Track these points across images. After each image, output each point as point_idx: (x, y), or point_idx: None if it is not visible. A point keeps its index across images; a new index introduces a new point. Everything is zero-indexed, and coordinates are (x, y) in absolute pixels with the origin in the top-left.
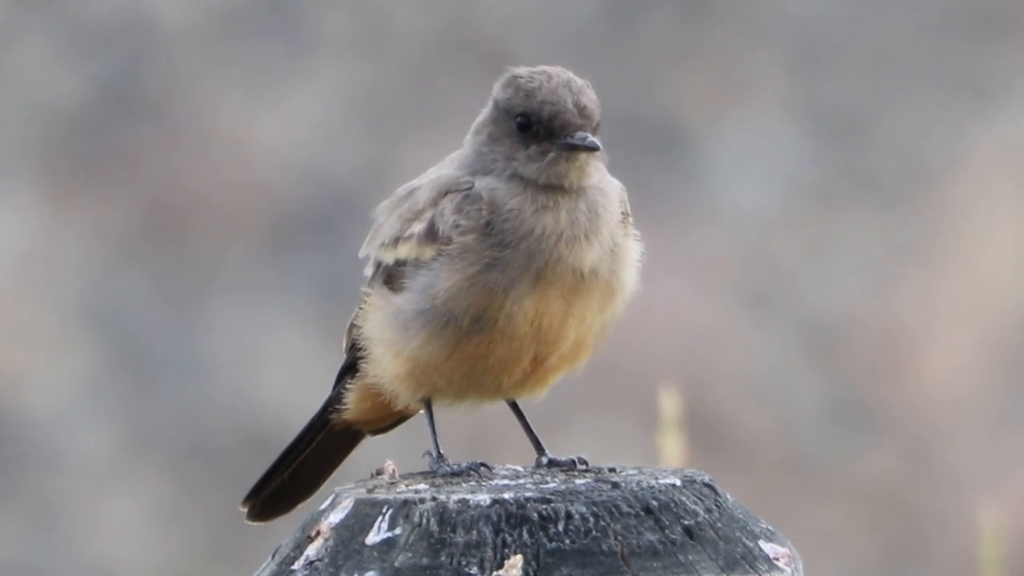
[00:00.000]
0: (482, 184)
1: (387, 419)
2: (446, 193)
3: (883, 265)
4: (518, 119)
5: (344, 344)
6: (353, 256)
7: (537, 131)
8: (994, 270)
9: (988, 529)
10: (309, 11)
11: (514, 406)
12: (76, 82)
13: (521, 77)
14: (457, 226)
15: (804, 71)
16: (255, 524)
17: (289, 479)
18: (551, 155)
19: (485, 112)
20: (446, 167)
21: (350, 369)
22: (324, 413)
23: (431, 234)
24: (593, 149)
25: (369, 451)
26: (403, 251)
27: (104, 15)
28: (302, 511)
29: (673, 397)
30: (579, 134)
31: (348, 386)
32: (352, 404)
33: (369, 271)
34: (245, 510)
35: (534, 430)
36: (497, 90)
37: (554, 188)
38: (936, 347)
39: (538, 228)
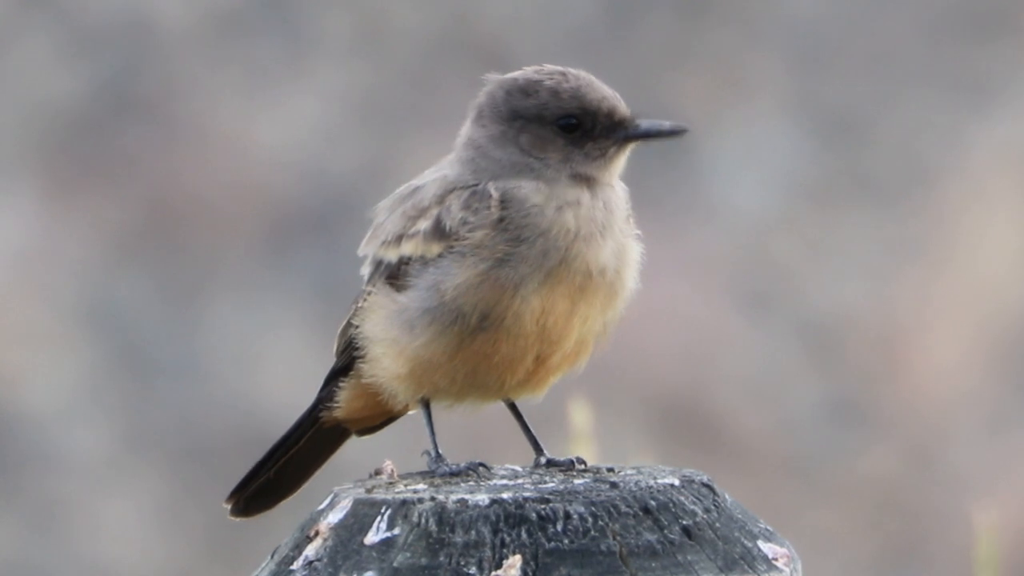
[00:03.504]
0: (499, 184)
1: (378, 418)
2: (452, 190)
3: (882, 265)
4: (562, 121)
5: (336, 347)
6: (352, 256)
7: (591, 129)
8: (992, 269)
9: (984, 529)
10: (309, 11)
11: (512, 406)
12: (75, 82)
13: (543, 81)
14: (466, 223)
15: (803, 71)
16: (239, 520)
17: (275, 476)
18: (612, 149)
19: (490, 124)
20: (445, 168)
21: (343, 370)
22: (314, 411)
23: (438, 231)
24: (685, 130)
25: (367, 451)
26: (408, 248)
27: (104, 15)
28: (285, 508)
29: (582, 409)
30: (644, 122)
31: (341, 384)
32: (344, 403)
33: (368, 270)
34: (229, 506)
35: (532, 430)
36: (513, 99)
37: (580, 183)
38: (934, 346)
39: (557, 225)
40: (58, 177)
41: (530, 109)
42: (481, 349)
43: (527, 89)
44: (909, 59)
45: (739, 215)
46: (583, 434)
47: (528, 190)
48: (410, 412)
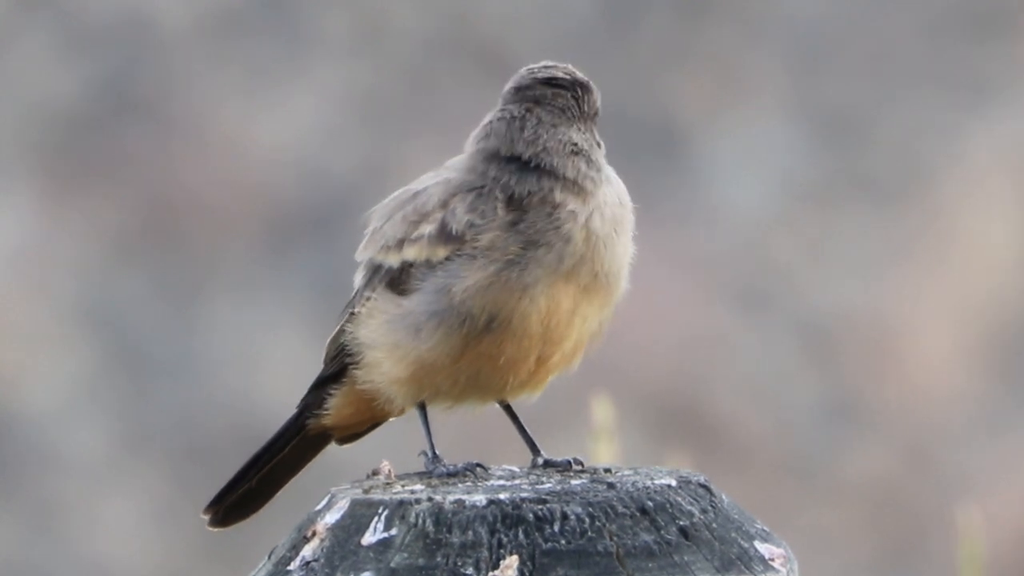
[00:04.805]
0: (520, 186)
1: (364, 424)
2: (456, 193)
3: (880, 265)
4: (596, 114)
5: (326, 354)
6: (351, 256)
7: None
8: (991, 269)
9: (968, 528)
10: (308, 11)
11: (507, 408)
12: (74, 81)
13: (585, 79)
14: (472, 225)
15: (802, 71)
16: (215, 530)
17: (256, 484)
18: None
19: (591, 123)
20: (451, 171)
21: (333, 377)
22: (300, 418)
23: (444, 234)
24: None
25: (364, 451)
26: (411, 253)
27: (103, 15)
28: (282, 509)
29: (605, 405)
30: None
31: (332, 391)
32: (334, 409)
33: (364, 275)
34: (207, 517)
35: (528, 431)
36: (595, 102)
37: (605, 180)
38: (932, 346)
39: (585, 230)
40: (57, 177)
41: (600, 110)
42: (487, 351)
43: (592, 87)
44: (909, 59)
45: (738, 215)
46: (605, 430)
47: (559, 192)
48: (392, 418)
